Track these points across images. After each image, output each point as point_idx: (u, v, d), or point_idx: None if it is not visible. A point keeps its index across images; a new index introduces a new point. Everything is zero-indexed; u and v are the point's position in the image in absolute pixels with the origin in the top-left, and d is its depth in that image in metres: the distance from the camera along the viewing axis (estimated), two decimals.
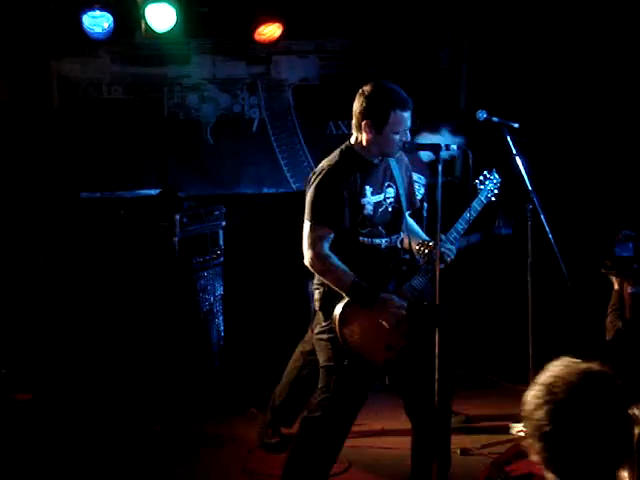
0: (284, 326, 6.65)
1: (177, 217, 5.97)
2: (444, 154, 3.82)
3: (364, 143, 3.88)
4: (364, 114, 3.84)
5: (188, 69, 6.83)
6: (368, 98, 3.84)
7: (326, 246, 3.82)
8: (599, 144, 6.58)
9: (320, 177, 3.91)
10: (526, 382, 4.81)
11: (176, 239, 5.99)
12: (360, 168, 3.90)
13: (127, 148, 6.77)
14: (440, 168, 3.78)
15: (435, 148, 3.83)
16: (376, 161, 3.94)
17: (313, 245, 3.83)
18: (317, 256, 3.82)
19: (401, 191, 4.01)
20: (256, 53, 6.88)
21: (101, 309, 6.22)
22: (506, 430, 5.21)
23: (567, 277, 4.68)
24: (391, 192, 3.98)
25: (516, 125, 4.72)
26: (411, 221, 4.18)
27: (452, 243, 3.97)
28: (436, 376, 3.74)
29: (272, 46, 6.62)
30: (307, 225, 3.88)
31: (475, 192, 4.18)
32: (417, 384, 3.94)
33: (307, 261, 3.87)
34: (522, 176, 4.72)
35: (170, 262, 6.02)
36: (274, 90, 7.00)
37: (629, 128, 6.45)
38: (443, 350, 4.09)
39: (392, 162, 4.01)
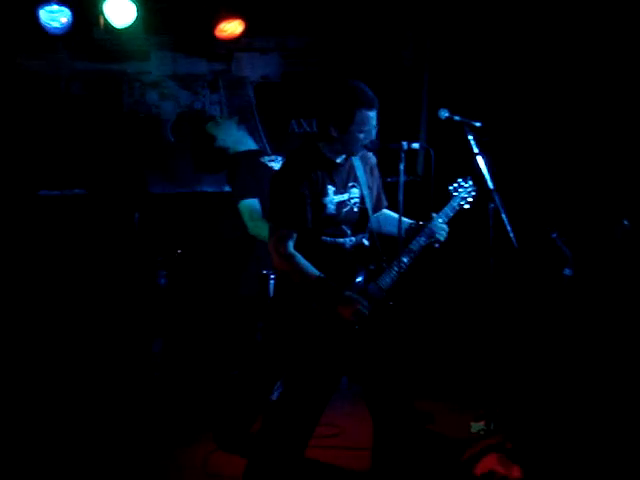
0: (242, 325, 6.64)
1: (136, 215, 5.94)
2: None
3: (328, 142, 3.86)
4: (328, 113, 3.82)
5: (148, 65, 6.77)
6: (333, 97, 3.82)
7: (290, 245, 3.80)
8: (561, 142, 6.62)
9: (280, 176, 3.89)
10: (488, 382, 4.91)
11: (135, 237, 5.95)
12: (323, 167, 3.87)
13: (86, 145, 6.68)
14: (402, 167, 3.79)
15: (397, 147, 3.83)
16: (339, 160, 3.92)
17: (276, 246, 3.81)
18: (281, 256, 3.80)
19: (365, 192, 4.00)
20: (217, 50, 6.84)
21: (58, 307, 6.16)
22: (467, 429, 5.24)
23: (529, 276, 4.70)
24: (356, 192, 3.97)
25: (478, 124, 4.72)
26: (388, 212, 4.17)
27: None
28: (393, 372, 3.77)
29: (233, 43, 6.58)
30: (269, 226, 3.86)
31: (449, 198, 4.20)
32: (379, 382, 3.92)
33: (273, 261, 3.85)
34: (484, 175, 4.72)
35: (130, 260, 5.97)
36: (235, 87, 6.96)
37: (590, 126, 6.49)
38: (404, 349, 4.11)
39: (357, 162, 4.00)
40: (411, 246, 3.95)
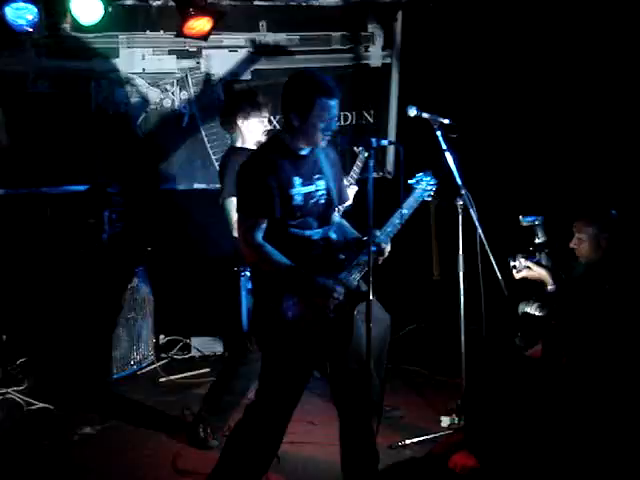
0: (214, 321, 6.65)
1: (106, 213, 5.90)
2: None
3: (292, 133, 3.87)
4: (290, 103, 3.83)
5: (116, 63, 6.72)
6: (293, 87, 3.84)
7: (259, 235, 3.80)
8: (528, 139, 6.68)
9: (247, 168, 3.89)
10: (458, 376, 4.94)
11: (105, 236, 5.91)
12: (288, 158, 3.88)
13: (54, 143, 6.62)
14: (372, 164, 3.80)
15: (367, 143, 3.83)
16: (304, 152, 3.92)
17: (245, 236, 3.81)
18: (250, 247, 3.80)
19: (331, 184, 4.01)
20: (186, 47, 6.81)
21: (26, 307, 6.09)
22: (438, 424, 5.27)
23: (497, 271, 4.73)
24: (321, 184, 3.97)
25: (446, 121, 4.76)
26: (340, 219, 4.19)
27: (387, 238, 4.00)
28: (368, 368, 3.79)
29: (202, 40, 6.54)
30: (238, 217, 3.87)
31: (410, 191, 4.28)
32: (348, 376, 3.92)
33: (243, 252, 3.85)
34: (452, 171, 4.76)
35: (99, 259, 5.93)
36: (205, 85, 6.93)
37: (556, 124, 6.56)
38: (376, 343, 4.12)
39: (321, 155, 4.00)
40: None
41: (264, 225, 3.81)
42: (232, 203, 4.89)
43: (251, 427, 3.92)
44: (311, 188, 3.93)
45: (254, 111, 5.09)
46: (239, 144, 5.15)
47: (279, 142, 3.91)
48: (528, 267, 4.65)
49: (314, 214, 3.93)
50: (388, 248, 3.98)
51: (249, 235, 3.80)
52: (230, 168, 4.93)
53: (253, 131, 5.11)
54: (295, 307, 3.77)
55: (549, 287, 4.62)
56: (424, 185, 4.30)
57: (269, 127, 5.21)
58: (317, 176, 3.96)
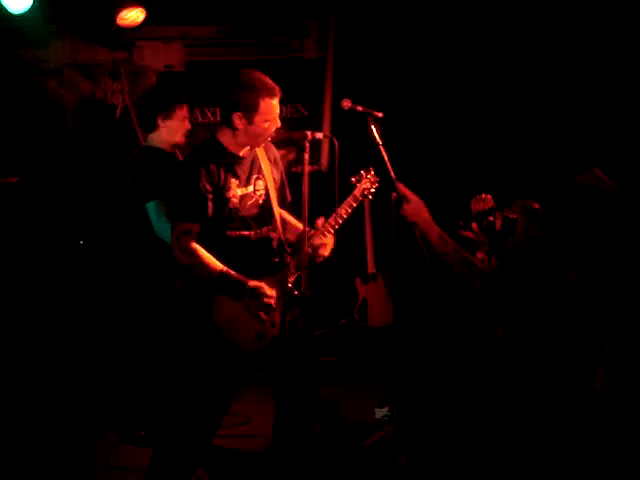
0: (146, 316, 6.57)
1: (37, 206, 5.82)
2: None
3: (232, 135, 3.85)
4: (233, 103, 3.80)
5: (47, 53, 6.60)
6: (236, 88, 3.80)
7: (192, 240, 3.78)
8: (463, 132, 6.76)
9: (179, 172, 3.87)
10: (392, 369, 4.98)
11: (35, 229, 5.83)
12: (225, 161, 3.86)
13: None
14: (306, 157, 3.80)
15: (301, 137, 3.84)
16: (242, 153, 3.91)
17: (178, 241, 3.79)
18: (183, 251, 3.78)
19: (269, 184, 4.00)
20: (119, 38, 6.72)
21: None
22: (371, 415, 5.32)
23: (433, 268, 4.77)
24: (261, 185, 3.97)
25: (381, 114, 4.78)
26: (286, 214, 4.18)
27: (325, 236, 4.00)
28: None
29: (135, 31, 6.47)
30: (171, 222, 3.84)
31: (351, 188, 4.22)
32: (287, 370, 3.94)
33: (175, 257, 3.83)
34: (386, 165, 4.78)
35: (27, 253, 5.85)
36: (138, 76, 6.86)
37: (491, 117, 6.65)
38: (311, 338, 4.13)
39: (260, 153, 3.99)
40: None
41: (197, 230, 3.79)
42: (153, 206, 4.67)
43: (179, 426, 3.91)
44: (249, 189, 3.92)
45: (177, 109, 4.84)
46: (157, 144, 4.88)
47: (215, 144, 3.88)
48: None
49: (253, 215, 3.93)
50: (328, 247, 4.00)
51: (182, 239, 3.78)
52: (149, 171, 4.73)
53: (174, 132, 4.86)
54: (226, 310, 3.77)
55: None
56: (365, 183, 4.23)
57: (189, 127, 4.96)
58: (256, 176, 3.96)
